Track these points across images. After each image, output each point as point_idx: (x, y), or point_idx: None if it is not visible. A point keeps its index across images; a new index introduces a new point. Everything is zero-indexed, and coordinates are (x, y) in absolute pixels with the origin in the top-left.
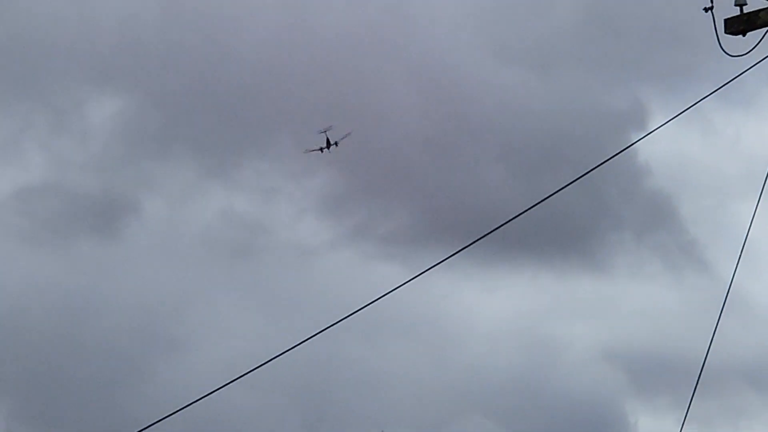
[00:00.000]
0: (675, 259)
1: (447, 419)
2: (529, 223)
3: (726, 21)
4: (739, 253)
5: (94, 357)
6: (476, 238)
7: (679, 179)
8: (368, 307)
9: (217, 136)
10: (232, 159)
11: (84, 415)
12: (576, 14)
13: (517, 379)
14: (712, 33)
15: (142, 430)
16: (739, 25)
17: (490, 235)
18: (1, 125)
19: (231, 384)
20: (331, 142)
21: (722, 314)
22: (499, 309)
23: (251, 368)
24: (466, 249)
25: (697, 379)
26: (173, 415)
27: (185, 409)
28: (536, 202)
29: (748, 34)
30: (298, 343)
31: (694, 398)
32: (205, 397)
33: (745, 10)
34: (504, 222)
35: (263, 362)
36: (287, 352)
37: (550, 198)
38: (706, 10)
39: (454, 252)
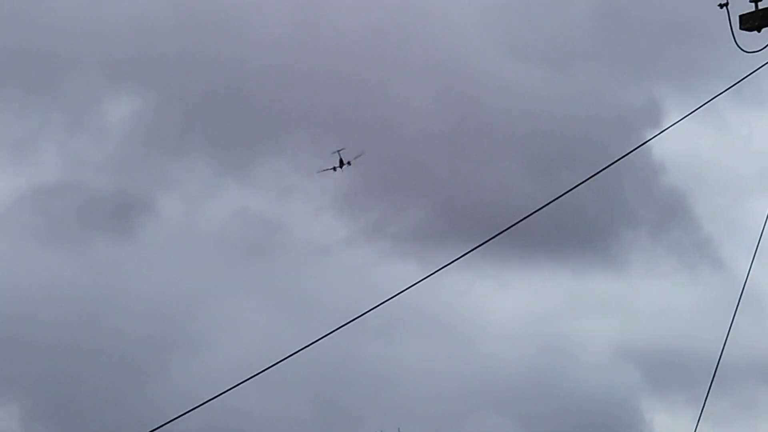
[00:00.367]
0: (690, 256)
1: (462, 417)
2: (545, 221)
3: (741, 17)
4: (754, 250)
5: (110, 356)
6: (491, 236)
7: (693, 176)
8: (384, 305)
9: (233, 134)
10: (248, 158)
11: (100, 415)
12: (591, 12)
13: (533, 377)
14: (727, 29)
15: (158, 428)
16: (754, 21)
17: (505, 232)
18: (18, 124)
19: (246, 382)
20: (344, 161)
21: (737, 311)
22: (514, 307)
23: (266, 367)
24: (482, 247)
25: (712, 376)
26: (189, 414)
27: (200, 407)
28: (551, 199)
29: (763, 30)
30: (313, 341)
31: (709, 395)
32: (220, 396)
33: (760, 6)
34: (519, 219)
35: (278, 361)
36: (302, 350)
37: (566, 195)
38: (721, 6)
39: (470, 250)
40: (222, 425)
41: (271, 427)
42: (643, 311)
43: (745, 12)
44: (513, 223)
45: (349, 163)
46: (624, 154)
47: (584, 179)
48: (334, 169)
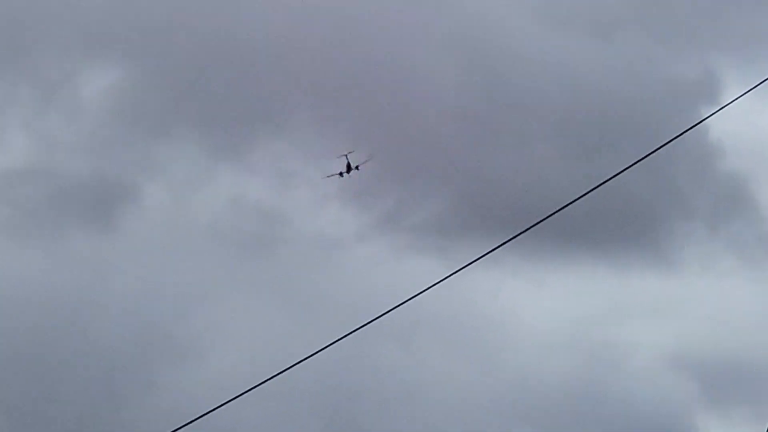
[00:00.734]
0: (752, 251)
1: None
2: (585, 212)
3: None
4: None
5: (88, 366)
6: (524, 229)
7: (755, 160)
8: (401, 306)
9: (227, 113)
10: (244, 139)
11: (77, 431)
12: None
13: (572, 389)
14: None
15: None
16: None
17: (540, 224)
18: None
19: (245, 395)
20: (352, 166)
21: None
22: (550, 309)
23: (267, 378)
24: (513, 241)
25: None
26: (179, 431)
27: (192, 423)
28: (593, 187)
29: None
30: (320, 348)
31: None
32: (215, 411)
33: None
34: (556, 210)
35: (280, 371)
36: (309, 359)
37: (609, 182)
38: None
39: (500, 244)
40: None
41: None
42: (698, 314)
43: None
44: (549, 214)
45: (357, 167)
46: (676, 134)
47: (630, 164)
48: (341, 174)
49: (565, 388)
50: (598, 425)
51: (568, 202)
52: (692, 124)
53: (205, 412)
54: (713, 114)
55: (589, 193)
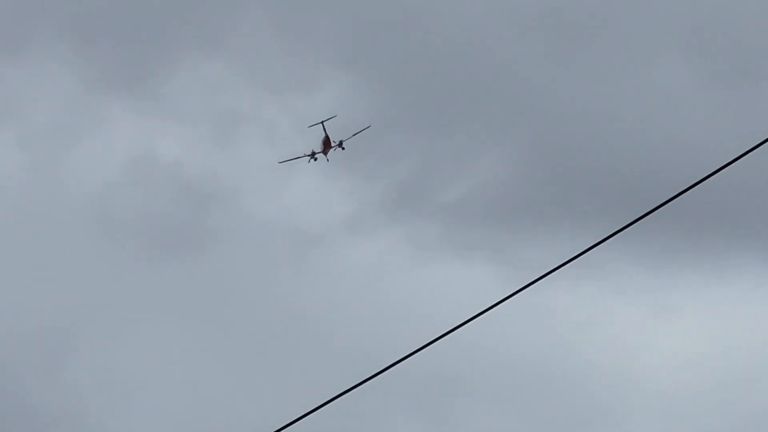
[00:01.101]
0: None
1: None
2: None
3: None
4: None
5: None
6: (635, 218)
7: None
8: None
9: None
10: (153, 62)
11: None
12: None
13: None
14: None
15: None
16: None
17: (661, 210)
18: None
19: None
20: (332, 141)
21: None
22: (680, 340)
23: None
24: (616, 237)
25: None
26: None
27: None
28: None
29: None
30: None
31: None
32: None
33: None
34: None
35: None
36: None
37: None
38: None
39: (586, 248)
40: None
41: None
42: None
43: None
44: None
45: (341, 144)
46: None
47: None
48: (312, 157)
49: None
50: None
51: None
52: None
53: None
54: None
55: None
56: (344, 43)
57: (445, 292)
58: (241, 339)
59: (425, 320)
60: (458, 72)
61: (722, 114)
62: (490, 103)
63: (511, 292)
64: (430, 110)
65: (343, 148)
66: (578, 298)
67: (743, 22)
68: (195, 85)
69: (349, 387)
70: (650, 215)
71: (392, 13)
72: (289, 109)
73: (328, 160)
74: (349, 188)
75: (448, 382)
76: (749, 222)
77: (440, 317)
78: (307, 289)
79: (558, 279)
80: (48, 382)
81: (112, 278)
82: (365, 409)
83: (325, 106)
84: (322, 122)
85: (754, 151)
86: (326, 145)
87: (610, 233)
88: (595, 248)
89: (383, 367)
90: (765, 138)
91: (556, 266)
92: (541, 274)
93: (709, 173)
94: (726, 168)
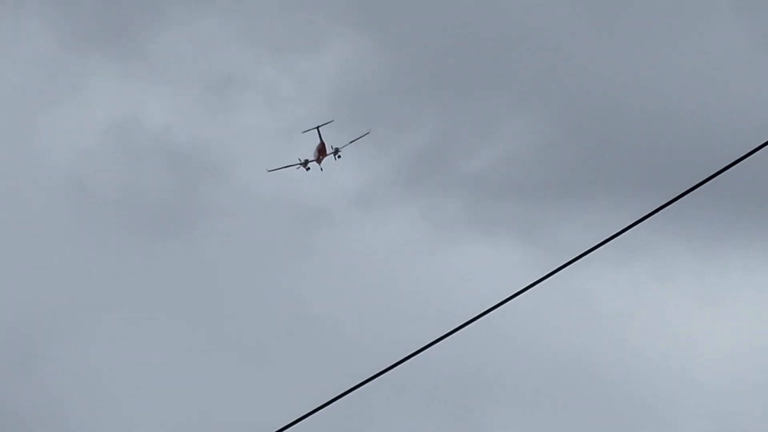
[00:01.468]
0: None
1: None
2: None
3: None
4: None
5: None
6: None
7: None
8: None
9: None
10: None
11: None
12: None
13: None
14: None
15: None
16: None
17: (709, 185)
18: None
19: None
20: (328, 148)
21: None
22: (731, 329)
23: None
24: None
25: None
26: None
27: None
28: None
29: None
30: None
31: None
32: None
33: None
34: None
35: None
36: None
37: None
38: None
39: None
40: None
41: None
42: None
43: None
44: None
45: (337, 152)
46: None
47: None
48: (304, 165)
49: None
50: None
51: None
52: None
53: None
54: None
55: None
56: None
57: (468, 276)
58: (238, 331)
59: (445, 308)
60: (483, 30)
61: None
62: (519, 65)
63: (541, 276)
64: (450, 72)
65: (340, 157)
66: (617, 283)
67: None
68: (185, 44)
69: (359, 382)
70: (697, 190)
71: None
72: (290, 71)
73: (321, 169)
74: (359, 158)
75: (471, 377)
76: None
77: (462, 304)
78: (312, 274)
79: (595, 262)
80: (20, 380)
81: (90, 262)
82: (377, 408)
83: (331, 67)
84: (317, 127)
85: None
86: (321, 152)
87: (653, 210)
88: (635, 227)
89: (398, 360)
90: None
91: (592, 247)
92: (575, 256)
93: (762, 143)
94: None
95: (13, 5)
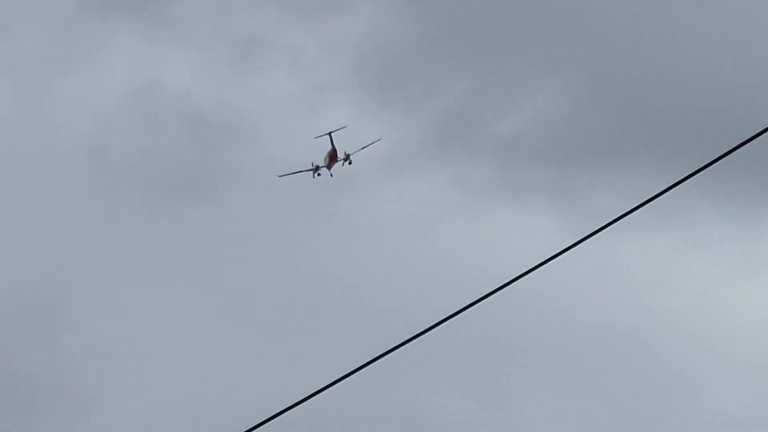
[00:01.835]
0: None
1: None
2: None
3: None
4: None
5: None
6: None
7: None
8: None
9: None
10: None
11: None
12: None
13: None
14: None
15: None
16: None
17: (747, 148)
18: None
19: None
20: (339, 155)
21: None
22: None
23: None
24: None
25: None
26: None
27: None
28: None
29: None
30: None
31: None
32: None
33: None
34: None
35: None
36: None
37: None
38: None
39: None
40: None
41: None
42: None
43: None
44: None
45: (348, 158)
46: None
47: None
48: (316, 172)
49: None
50: None
51: None
52: None
53: None
54: None
55: None
56: None
57: (497, 243)
58: (262, 299)
59: (474, 275)
60: None
61: None
62: (551, 25)
63: (572, 243)
64: (480, 33)
65: (350, 163)
66: (651, 249)
67: None
68: (208, 5)
69: (386, 350)
70: (734, 154)
71: None
72: (315, 33)
73: (332, 175)
74: (386, 121)
75: (499, 346)
76: None
77: (491, 271)
78: (338, 240)
79: (627, 228)
80: (36, 349)
81: (110, 230)
82: (403, 375)
83: (358, 29)
84: (329, 133)
85: None
86: (332, 158)
87: (688, 174)
88: (670, 192)
89: (427, 327)
90: None
91: (625, 212)
92: (607, 222)
93: None
94: None
95: None
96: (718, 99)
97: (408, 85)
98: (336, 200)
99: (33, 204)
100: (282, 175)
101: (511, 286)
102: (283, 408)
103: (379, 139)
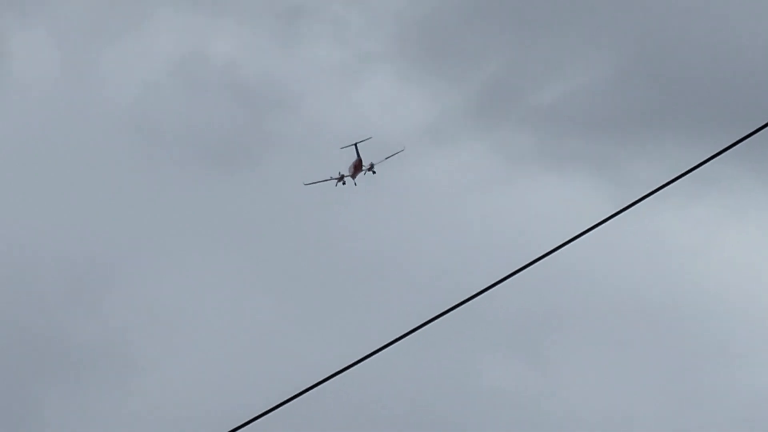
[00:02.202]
0: None
1: None
2: None
3: None
4: None
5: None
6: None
7: None
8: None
9: None
10: None
11: None
12: None
13: None
14: None
15: None
16: None
17: None
18: None
19: None
20: (364, 165)
21: None
22: None
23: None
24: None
25: None
26: None
27: None
28: None
29: None
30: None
31: None
32: None
33: None
34: None
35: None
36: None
37: None
38: None
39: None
40: None
41: None
42: None
43: None
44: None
45: (372, 168)
46: None
47: None
48: (341, 180)
49: None
50: None
51: None
52: None
53: None
54: None
55: None
56: None
57: (538, 212)
58: (306, 267)
59: (514, 244)
60: None
61: None
62: None
63: (613, 212)
64: (521, 2)
65: (374, 172)
66: (690, 219)
67: None
68: None
69: (430, 318)
70: None
71: None
72: (359, 4)
73: (356, 184)
74: (428, 92)
75: (541, 314)
76: None
77: (532, 241)
78: (381, 209)
79: (668, 197)
80: (86, 315)
81: (155, 197)
82: (446, 343)
83: (400, 0)
84: (355, 144)
85: None
86: (357, 168)
87: (728, 145)
88: (710, 162)
89: (469, 296)
90: None
91: (665, 182)
92: (648, 192)
93: None
94: None
95: None
96: (758, 69)
97: (450, 55)
98: (379, 168)
99: (80, 172)
100: (308, 184)
101: (552, 254)
102: (330, 374)
103: (402, 150)
